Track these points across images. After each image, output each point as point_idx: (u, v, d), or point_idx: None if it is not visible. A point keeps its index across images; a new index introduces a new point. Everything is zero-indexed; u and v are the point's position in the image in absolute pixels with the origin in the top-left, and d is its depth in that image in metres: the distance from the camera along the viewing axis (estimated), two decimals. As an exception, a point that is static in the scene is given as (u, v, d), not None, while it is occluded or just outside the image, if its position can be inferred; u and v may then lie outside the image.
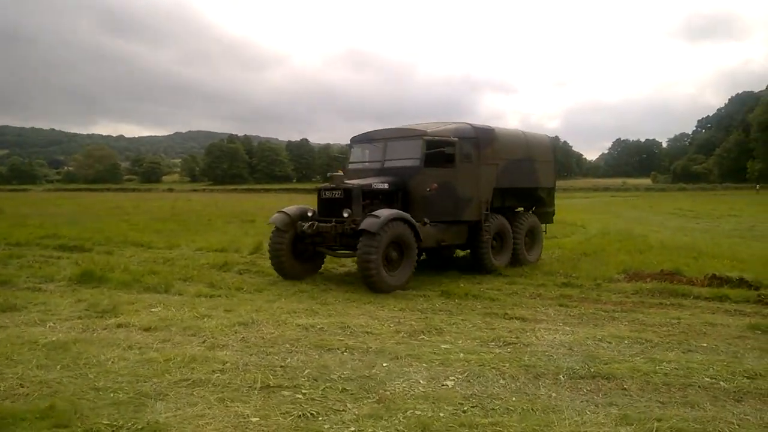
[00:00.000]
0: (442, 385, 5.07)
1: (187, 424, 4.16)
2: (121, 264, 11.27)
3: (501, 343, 6.42)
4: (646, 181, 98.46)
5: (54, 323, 7.01)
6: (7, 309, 7.67)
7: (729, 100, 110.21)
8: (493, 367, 5.54)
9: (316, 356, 5.87)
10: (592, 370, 5.48)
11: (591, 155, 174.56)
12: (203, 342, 6.32)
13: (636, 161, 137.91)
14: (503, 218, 11.79)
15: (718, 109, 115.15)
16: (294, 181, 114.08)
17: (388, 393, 4.84)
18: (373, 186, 10.29)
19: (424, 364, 5.62)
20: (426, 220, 10.18)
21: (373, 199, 10.26)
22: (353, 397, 4.76)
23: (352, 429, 4.15)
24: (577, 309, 8.25)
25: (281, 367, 5.50)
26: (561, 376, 5.35)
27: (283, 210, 10.49)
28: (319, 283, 10.04)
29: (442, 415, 4.43)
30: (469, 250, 11.59)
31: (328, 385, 5.02)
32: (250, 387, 4.94)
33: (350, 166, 11.75)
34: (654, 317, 7.72)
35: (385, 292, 9.10)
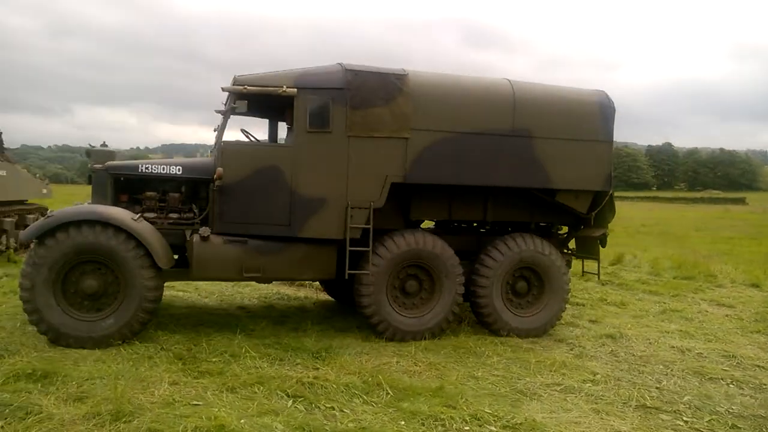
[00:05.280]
0: None
1: (563, 427, 4.24)
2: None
3: None
4: None
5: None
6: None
7: None
8: None
9: (696, 383, 5.38)
10: None
11: None
12: (571, 349, 6.36)
13: None
14: (431, 237, 6.52)
15: None
16: (654, 188, 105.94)
17: (794, 441, 4.15)
18: (144, 169, 6.31)
19: (844, 416, 4.65)
20: (204, 230, 6.09)
21: (163, 192, 6.42)
22: (748, 438, 4.21)
23: (750, 473, 3.67)
24: None
25: (656, 388, 5.19)
26: None
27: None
28: (691, 302, 9.14)
29: None
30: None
31: (713, 417, 4.56)
32: (624, 403, 4.79)
33: None
34: None
35: (75, 346, 5.55)
